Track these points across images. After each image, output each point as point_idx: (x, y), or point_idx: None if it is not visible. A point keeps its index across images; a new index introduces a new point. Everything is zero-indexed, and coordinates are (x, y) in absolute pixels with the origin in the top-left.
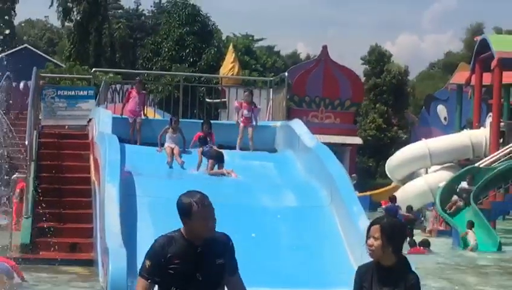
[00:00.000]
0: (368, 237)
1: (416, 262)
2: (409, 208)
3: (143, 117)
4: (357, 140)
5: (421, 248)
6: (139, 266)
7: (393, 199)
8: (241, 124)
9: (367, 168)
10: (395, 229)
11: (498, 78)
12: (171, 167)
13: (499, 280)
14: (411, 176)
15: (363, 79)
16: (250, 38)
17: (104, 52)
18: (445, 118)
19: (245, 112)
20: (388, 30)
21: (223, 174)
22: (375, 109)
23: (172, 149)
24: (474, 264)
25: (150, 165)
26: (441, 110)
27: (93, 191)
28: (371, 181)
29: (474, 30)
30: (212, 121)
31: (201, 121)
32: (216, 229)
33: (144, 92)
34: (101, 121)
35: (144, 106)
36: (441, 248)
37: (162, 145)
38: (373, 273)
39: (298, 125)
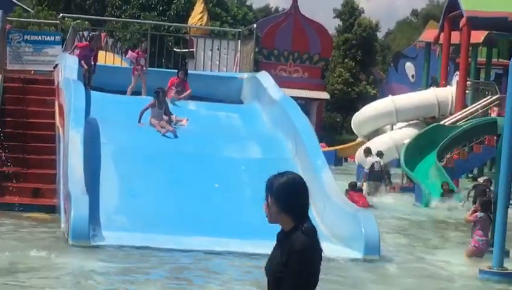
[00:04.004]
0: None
1: (376, 217)
2: (380, 154)
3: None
4: (325, 95)
5: (361, 194)
6: (101, 212)
7: (368, 151)
8: (136, 73)
9: (334, 123)
10: (282, 186)
11: (466, 37)
12: (165, 136)
13: (459, 235)
14: (376, 132)
15: (334, 34)
16: None
17: None
18: (412, 76)
19: (142, 60)
20: None
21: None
22: (344, 64)
23: (158, 122)
24: (435, 220)
25: (115, 113)
26: (409, 67)
27: (58, 137)
28: (337, 136)
29: None
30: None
31: (170, 69)
32: (178, 179)
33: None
34: (67, 67)
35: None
36: (403, 205)
37: (152, 122)
38: (279, 240)
39: (265, 78)
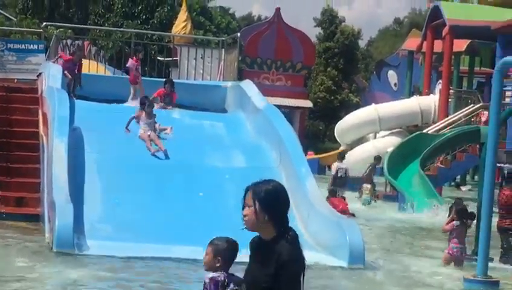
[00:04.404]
0: (243, 206)
1: (360, 224)
2: (377, 158)
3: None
4: (307, 103)
5: (342, 198)
6: (85, 221)
7: (341, 158)
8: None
9: (317, 131)
10: (271, 194)
11: (449, 45)
12: (153, 155)
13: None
14: (360, 141)
15: (316, 42)
16: None
17: (59, 7)
18: (395, 84)
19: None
20: None
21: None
22: (326, 72)
23: (148, 135)
24: (418, 228)
25: (99, 121)
26: (392, 75)
27: (41, 145)
28: (320, 144)
29: None
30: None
31: (153, 78)
32: (163, 188)
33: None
34: (50, 75)
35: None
36: (387, 213)
37: (142, 136)
38: (255, 249)
39: (249, 86)
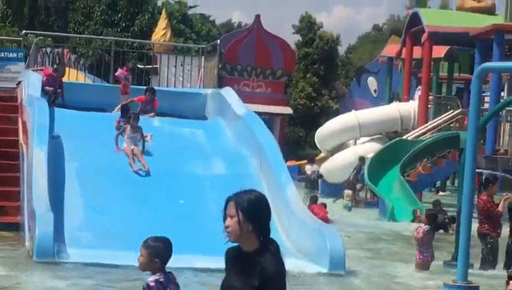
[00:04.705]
0: (224, 217)
1: (340, 230)
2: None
3: None
4: (287, 110)
5: (323, 205)
6: (66, 230)
7: (311, 161)
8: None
9: (297, 138)
10: (254, 203)
11: (428, 52)
12: (136, 172)
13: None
14: (340, 147)
15: (294, 49)
16: (183, 5)
17: (38, 15)
18: (375, 91)
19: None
20: (324, 1)
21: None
22: (306, 79)
23: (132, 150)
24: (399, 235)
25: (79, 129)
26: (371, 82)
27: (21, 154)
28: (300, 151)
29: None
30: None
31: (133, 86)
32: (143, 196)
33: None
34: (30, 84)
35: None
36: (368, 219)
37: (125, 151)
38: (234, 260)
39: (229, 94)
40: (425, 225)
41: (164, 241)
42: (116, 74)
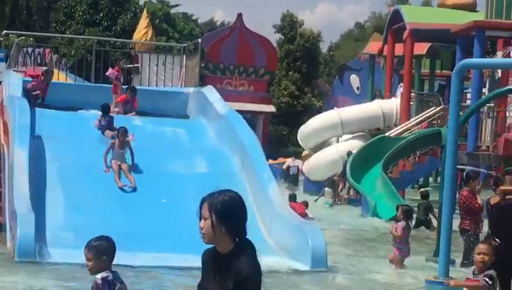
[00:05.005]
0: (200, 217)
1: (323, 228)
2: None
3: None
4: (270, 108)
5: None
6: (48, 229)
7: (294, 156)
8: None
9: (280, 136)
10: (228, 205)
11: (409, 49)
12: (122, 189)
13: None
14: (323, 145)
15: (276, 48)
16: (166, 4)
17: (20, 15)
18: (358, 88)
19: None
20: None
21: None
22: (288, 76)
23: (119, 165)
24: (381, 232)
25: (60, 129)
26: (354, 79)
27: (2, 154)
28: (283, 149)
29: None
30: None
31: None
32: (125, 195)
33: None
34: (11, 84)
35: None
36: (350, 216)
37: (113, 167)
38: (210, 262)
39: (210, 92)
40: (400, 221)
41: (106, 239)
42: (107, 74)
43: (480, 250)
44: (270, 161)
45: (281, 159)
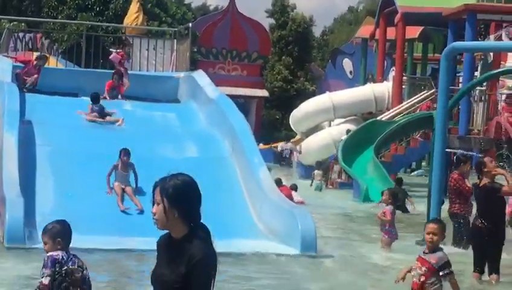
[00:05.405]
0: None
1: (313, 212)
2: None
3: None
4: (264, 92)
5: (290, 187)
6: (37, 215)
7: (286, 139)
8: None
9: (273, 121)
10: (180, 189)
11: (401, 32)
12: (124, 211)
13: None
14: (315, 129)
15: (269, 32)
16: None
17: (11, 0)
18: (350, 72)
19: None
20: None
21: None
22: (281, 61)
23: (123, 189)
24: (371, 215)
25: (50, 114)
26: (347, 63)
27: None
28: (276, 133)
29: None
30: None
31: (107, 70)
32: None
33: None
34: (0, 69)
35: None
36: (342, 200)
37: (116, 190)
38: (164, 247)
39: (201, 77)
40: (388, 205)
41: (61, 223)
42: (110, 57)
43: (430, 229)
44: (261, 146)
45: (275, 143)
